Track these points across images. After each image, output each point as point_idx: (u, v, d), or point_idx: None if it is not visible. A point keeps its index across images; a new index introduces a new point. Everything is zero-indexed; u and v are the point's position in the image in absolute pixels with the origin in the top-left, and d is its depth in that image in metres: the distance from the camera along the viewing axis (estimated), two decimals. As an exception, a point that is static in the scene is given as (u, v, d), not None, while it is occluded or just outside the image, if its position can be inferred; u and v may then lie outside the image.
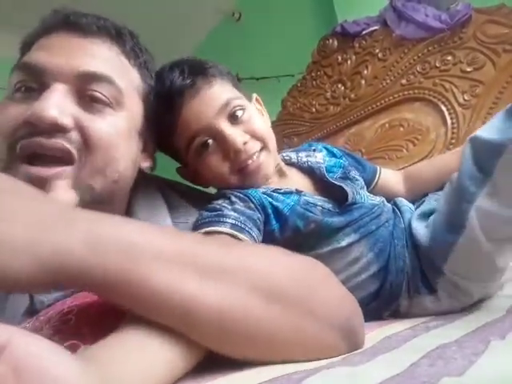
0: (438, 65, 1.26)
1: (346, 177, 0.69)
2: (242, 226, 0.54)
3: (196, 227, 0.55)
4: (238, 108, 0.61)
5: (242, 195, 0.59)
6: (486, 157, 0.48)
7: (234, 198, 0.58)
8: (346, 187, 0.63)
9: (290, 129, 1.64)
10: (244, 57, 2.09)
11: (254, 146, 0.61)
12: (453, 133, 1.19)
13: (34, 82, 0.47)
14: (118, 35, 0.53)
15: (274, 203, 0.59)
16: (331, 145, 0.80)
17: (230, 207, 0.57)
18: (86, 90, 0.48)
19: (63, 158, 0.46)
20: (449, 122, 1.21)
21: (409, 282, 0.60)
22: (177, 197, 0.63)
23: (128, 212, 0.57)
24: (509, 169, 0.45)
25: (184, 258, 0.32)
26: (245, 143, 0.60)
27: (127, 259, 0.30)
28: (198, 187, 0.70)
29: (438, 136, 1.23)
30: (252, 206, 0.58)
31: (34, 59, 0.48)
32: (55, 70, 0.47)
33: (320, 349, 0.36)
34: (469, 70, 1.19)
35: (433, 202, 0.68)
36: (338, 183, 0.64)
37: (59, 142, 0.45)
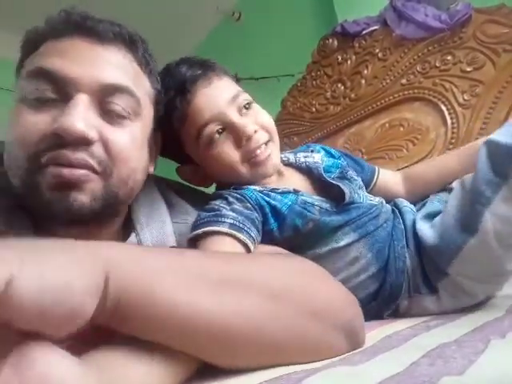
0: (437, 64, 1.25)
1: (343, 177, 0.69)
2: (241, 225, 0.54)
3: (194, 227, 0.55)
4: (246, 101, 0.63)
5: (238, 195, 0.59)
6: (502, 161, 0.48)
7: (231, 199, 0.58)
8: (343, 187, 0.63)
9: (290, 128, 1.64)
10: (244, 56, 2.08)
11: (263, 136, 0.63)
12: (453, 132, 1.19)
13: (54, 91, 0.46)
14: (131, 42, 0.52)
15: (272, 202, 0.60)
16: (331, 145, 0.80)
17: (228, 207, 0.57)
18: (108, 102, 0.48)
19: (84, 167, 0.46)
20: (449, 121, 1.20)
21: (409, 282, 0.60)
22: (176, 196, 0.63)
23: (128, 211, 0.57)
24: None
25: (190, 273, 0.32)
26: (255, 131, 0.61)
27: (138, 276, 0.30)
28: (196, 187, 0.70)
29: (437, 136, 1.22)
30: (249, 205, 0.58)
31: (52, 66, 0.46)
32: (78, 81, 0.46)
33: (323, 350, 0.37)
34: (469, 69, 1.18)
35: (436, 203, 0.68)
36: (336, 183, 0.64)
37: (83, 156, 0.45)
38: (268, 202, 0.60)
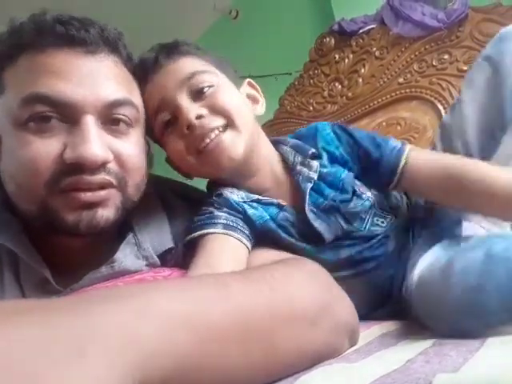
0: (434, 63, 1.26)
1: (336, 206, 0.57)
2: (234, 224, 0.54)
3: (189, 231, 0.55)
4: (204, 84, 0.55)
5: (220, 200, 0.57)
6: None
7: (217, 204, 0.56)
8: (324, 230, 0.56)
9: (287, 127, 1.64)
10: (241, 55, 2.07)
11: (211, 121, 0.53)
12: (449, 131, 1.19)
13: (56, 113, 0.45)
14: (115, 43, 0.51)
15: (248, 212, 0.55)
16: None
17: (219, 208, 0.56)
18: (111, 115, 0.48)
19: (103, 185, 0.47)
20: (445, 120, 1.21)
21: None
22: (174, 197, 0.63)
23: None
24: None
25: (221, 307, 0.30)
26: (199, 117, 0.53)
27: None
28: (195, 186, 0.70)
29: (435, 134, 1.23)
30: (231, 208, 0.56)
31: (51, 90, 0.44)
32: (83, 103, 0.45)
33: (331, 353, 0.37)
34: (465, 68, 1.18)
35: None
36: (316, 224, 0.55)
37: (102, 176, 0.46)
38: (244, 209, 0.56)
